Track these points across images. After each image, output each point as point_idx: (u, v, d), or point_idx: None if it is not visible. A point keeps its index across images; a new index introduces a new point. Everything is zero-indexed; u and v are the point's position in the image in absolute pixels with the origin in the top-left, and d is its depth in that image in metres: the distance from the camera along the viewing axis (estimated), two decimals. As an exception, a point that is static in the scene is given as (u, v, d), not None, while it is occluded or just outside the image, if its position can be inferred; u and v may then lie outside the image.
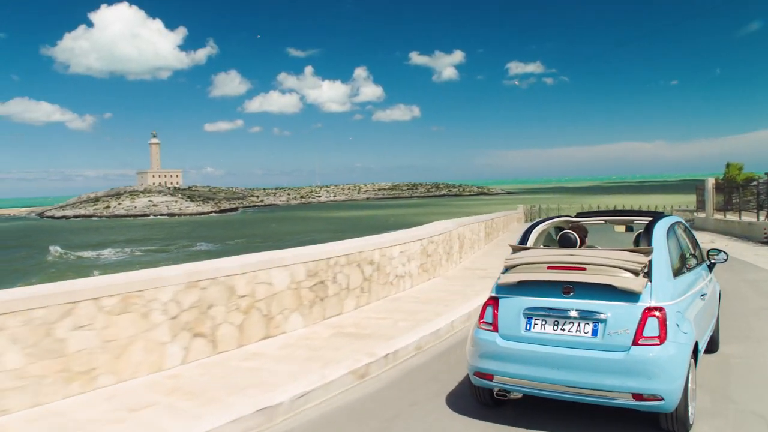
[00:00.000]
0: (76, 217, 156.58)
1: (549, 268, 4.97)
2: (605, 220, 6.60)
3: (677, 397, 4.47)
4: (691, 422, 4.77)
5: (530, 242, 5.83)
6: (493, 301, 5.19)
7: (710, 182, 31.43)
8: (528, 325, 4.90)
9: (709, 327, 6.14)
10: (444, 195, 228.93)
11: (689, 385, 4.68)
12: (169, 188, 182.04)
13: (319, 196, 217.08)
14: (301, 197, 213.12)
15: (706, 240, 21.76)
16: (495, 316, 5.09)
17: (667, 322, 4.52)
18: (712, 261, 6.75)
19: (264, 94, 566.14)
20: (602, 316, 4.63)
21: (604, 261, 4.79)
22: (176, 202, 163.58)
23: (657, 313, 4.53)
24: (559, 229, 6.37)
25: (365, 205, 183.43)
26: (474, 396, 5.46)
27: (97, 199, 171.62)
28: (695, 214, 34.16)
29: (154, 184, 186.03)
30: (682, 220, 6.45)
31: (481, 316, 5.24)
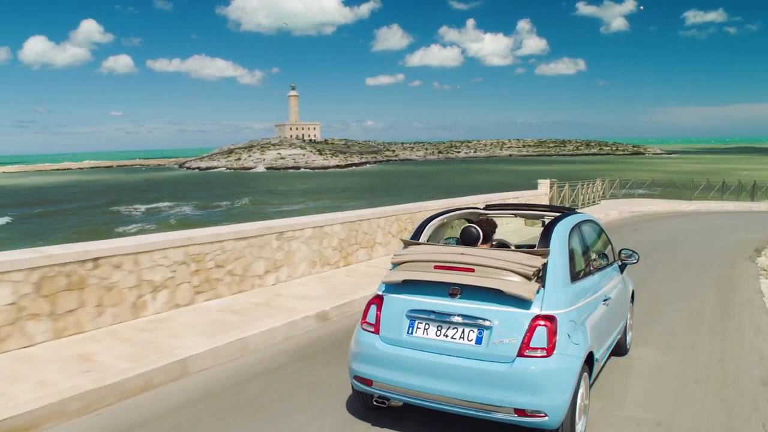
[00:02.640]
0: (207, 168, 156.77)
1: (436, 267, 4.49)
2: (515, 214, 6.24)
3: (562, 414, 4.12)
4: None
5: (424, 237, 5.31)
6: (377, 300, 4.74)
7: None
8: (410, 329, 4.48)
9: (613, 332, 5.68)
10: (594, 154, 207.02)
11: (579, 400, 4.37)
12: (304, 141, 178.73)
13: (458, 152, 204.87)
14: (439, 152, 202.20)
15: None
16: (377, 317, 4.65)
17: (558, 333, 4.15)
18: (624, 262, 6.32)
19: (425, 47, 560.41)
20: (488, 323, 4.23)
21: (495, 263, 4.34)
22: (303, 155, 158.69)
23: (547, 323, 4.15)
24: (468, 221, 5.72)
25: (508, 161, 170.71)
26: (357, 398, 5.04)
27: (230, 152, 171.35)
28: None
29: (291, 136, 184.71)
30: (594, 218, 6.04)
31: (365, 315, 4.77)
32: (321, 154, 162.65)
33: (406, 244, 5.03)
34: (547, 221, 5.45)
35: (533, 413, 4.06)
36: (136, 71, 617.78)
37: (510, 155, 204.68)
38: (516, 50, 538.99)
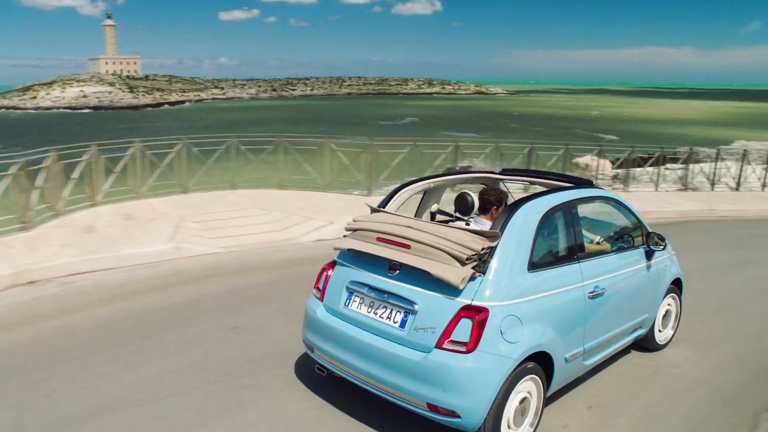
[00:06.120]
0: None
1: (378, 239, 4.28)
2: (530, 182, 5.97)
3: (479, 417, 3.80)
4: None
5: (395, 204, 4.93)
6: (329, 267, 4.63)
7: None
8: (347, 301, 4.37)
9: (614, 329, 5.06)
10: (435, 93, 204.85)
11: (516, 403, 4.00)
12: (121, 77, 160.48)
13: (294, 90, 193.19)
14: (273, 90, 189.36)
15: None
16: (325, 284, 4.56)
17: (487, 328, 3.76)
18: (651, 248, 5.42)
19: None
20: (415, 307, 3.96)
21: (431, 240, 4.00)
22: (110, 93, 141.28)
23: (474, 315, 3.76)
24: (483, 186, 5.35)
25: (347, 99, 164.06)
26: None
27: (28, 88, 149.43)
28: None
29: (107, 71, 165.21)
30: (612, 195, 5.39)
31: (317, 279, 4.69)
32: (132, 91, 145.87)
33: (372, 210, 4.76)
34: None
35: (445, 411, 3.79)
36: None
37: (349, 93, 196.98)
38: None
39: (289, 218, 10.50)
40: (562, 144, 15.35)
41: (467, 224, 4.64)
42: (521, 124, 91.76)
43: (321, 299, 4.52)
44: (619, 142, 59.19)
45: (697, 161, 20.19)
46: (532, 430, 4.21)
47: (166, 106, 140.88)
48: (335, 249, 4.57)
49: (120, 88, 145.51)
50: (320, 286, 4.57)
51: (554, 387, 4.40)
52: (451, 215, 5.15)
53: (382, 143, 13.39)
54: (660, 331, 5.93)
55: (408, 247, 4.04)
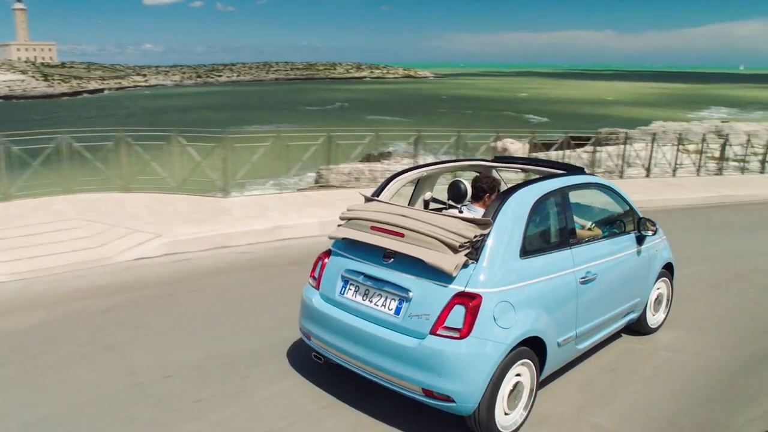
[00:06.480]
0: None
1: (372, 228, 4.33)
2: (522, 169, 5.91)
3: (474, 401, 3.86)
4: (506, 430, 4.12)
5: (389, 192, 4.97)
6: (325, 255, 4.68)
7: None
8: (343, 289, 4.42)
9: (606, 313, 5.10)
10: (364, 77, 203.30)
11: (509, 387, 4.04)
12: (35, 64, 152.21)
13: (220, 76, 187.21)
14: (198, 77, 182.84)
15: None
16: (321, 272, 4.62)
17: (480, 314, 3.81)
18: (642, 233, 5.49)
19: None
20: (410, 295, 4.02)
21: (424, 228, 4.04)
22: (23, 81, 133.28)
23: (467, 302, 3.81)
24: (479, 173, 5.42)
25: (275, 84, 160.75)
26: None
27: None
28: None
29: (19, 58, 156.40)
30: (603, 181, 5.45)
31: (313, 268, 4.74)
32: (47, 79, 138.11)
33: (366, 200, 4.78)
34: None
35: (440, 396, 3.84)
36: None
37: (277, 79, 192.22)
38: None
39: (113, 230, 8.68)
40: (454, 131, 13.94)
41: (460, 212, 4.65)
42: (450, 107, 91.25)
43: (317, 288, 4.58)
44: (546, 123, 59.02)
45: (619, 142, 19.29)
46: (525, 413, 4.26)
47: (85, 94, 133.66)
48: (330, 238, 4.62)
49: (33, 76, 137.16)
50: (316, 274, 4.62)
51: (547, 371, 4.45)
52: (444, 203, 5.18)
53: (240, 136, 11.64)
54: (652, 314, 6.02)
55: (402, 235, 4.09)
